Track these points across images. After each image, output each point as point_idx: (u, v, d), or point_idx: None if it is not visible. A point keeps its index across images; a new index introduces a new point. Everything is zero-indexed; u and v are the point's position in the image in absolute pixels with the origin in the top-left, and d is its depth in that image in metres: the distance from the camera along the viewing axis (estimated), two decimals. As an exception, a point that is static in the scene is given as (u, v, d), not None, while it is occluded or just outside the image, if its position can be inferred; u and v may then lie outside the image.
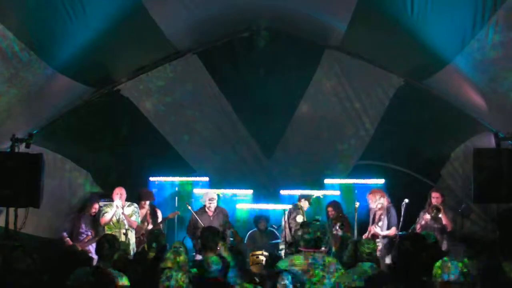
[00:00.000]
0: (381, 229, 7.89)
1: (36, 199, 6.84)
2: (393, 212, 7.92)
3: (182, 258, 4.91)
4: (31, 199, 6.78)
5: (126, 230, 7.77)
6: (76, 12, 5.73)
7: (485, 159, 6.97)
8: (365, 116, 8.65)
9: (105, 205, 8.04)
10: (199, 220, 8.15)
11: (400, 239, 6.01)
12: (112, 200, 7.95)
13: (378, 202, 7.98)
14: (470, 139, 7.96)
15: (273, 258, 6.82)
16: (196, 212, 8.36)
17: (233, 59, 8.32)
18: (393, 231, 7.81)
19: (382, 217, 7.93)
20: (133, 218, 7.91)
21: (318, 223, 4.70)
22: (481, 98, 6.80)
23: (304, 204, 8.46)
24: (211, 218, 8.28)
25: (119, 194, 7.88)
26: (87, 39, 6.31)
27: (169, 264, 4.78)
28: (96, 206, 8.30)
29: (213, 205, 8.39)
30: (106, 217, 7.80)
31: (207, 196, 8.48)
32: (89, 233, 8.12)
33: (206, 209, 8.41)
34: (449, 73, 6.74)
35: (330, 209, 8.39)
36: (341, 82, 8.44)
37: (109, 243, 5.00)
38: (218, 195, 8.66)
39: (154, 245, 5.46)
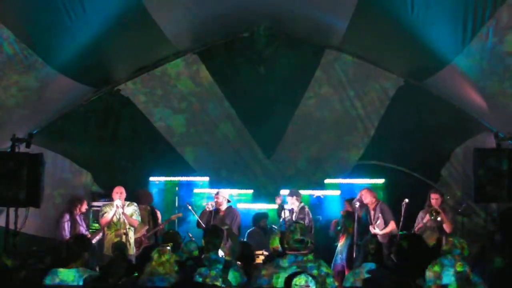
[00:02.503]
0: (379, 228, 7.90)
1: (36, 199, 6.83)
2: (384, 208, 7.95)
3: (167, 257, 4.86)
4: (31, 199, 6.77)
5: (127, 229, 7.78)
6: (76, 12, 5.73)
7: (486, 159, 6.97)
8: (365, 116, 8.65)
9: (104, 205, 8.01)
10: (201, 221, 8.13)
11: (398, 239, 6.02)
12: (112, 200, 7.94)
13: (367, 201, 8.06)
14: (470, 139, 7.96)
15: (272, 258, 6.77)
16: (207, 212, 8.27)
17: (233, 59, 8.32)
18: (391, 226, 7.80)
19: (377, 216, 7.97)
20: (134, 217, 7.91)
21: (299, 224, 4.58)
22: (481, 98, 6.80)
23: (294, 202, 8.35)
24: (222, 218, 8.18)
25: (119, 194, 7.87)
26: (87, 39, 6.31)
27: (154, 264, 4.74)
28: (85, 204, 8.26)
29: (223, 205, 8.24)
30: (107, 217, 7.77)
31: (217, 196, 8.38)
32: (88, 233, 8.13)
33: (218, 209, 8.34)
34: (449, 73, 6.74)
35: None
36: (341, 82, 8.44)
37: (77, 242, 4.97)
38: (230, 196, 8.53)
39: (171, 245, 5.42)
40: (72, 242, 5.09)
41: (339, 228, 8.32)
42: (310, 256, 4.26)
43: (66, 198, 8.50)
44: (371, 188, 8.40)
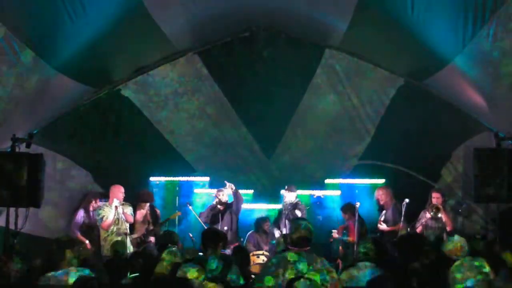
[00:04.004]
0: (386, 225, 8.01)
1: (36, 199, 6.84)
2: (393, 209, 7.98)
3: (179, 258, 4.89)
4: (31, 199, 6.77)
5: (127, 229, 7.79)
6: (76, 12, 5.74)
7: (485, 159, 6.97)
8: (365, 116, 8.65)
9: (100, 208, 7.91)
10: (199, 219, 8.16)
11: (399, 239, 6.03)
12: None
13: (383, 203, 8.17)
14: (470, 139, 7.96)
15: None
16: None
17: (233, 59, 8.31)
18: (399, 226, 7.84)
19: (387, 214, 8.03)
20: (131, 215, 7.96)
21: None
22: (481, 97, 6.81)
23: (290, 196, 8.35)
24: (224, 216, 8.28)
25: (121, 193, 7.89)
26: (88, 39, 6.32)
27: (165, 264, 4.75)
28: (98, 200, 8.31)
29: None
30: (108, 220, 7.72)
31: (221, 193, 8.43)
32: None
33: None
34: (449, 73, 6.75)
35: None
36: (341, 82, 8.43)
37: (58, 245, 4.91)
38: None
39: (181, 246, 5.44)
40: (54, 243, 5.03)
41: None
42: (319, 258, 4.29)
43: (67, 198, 8.52)
44: (386, 187, 8.39)
